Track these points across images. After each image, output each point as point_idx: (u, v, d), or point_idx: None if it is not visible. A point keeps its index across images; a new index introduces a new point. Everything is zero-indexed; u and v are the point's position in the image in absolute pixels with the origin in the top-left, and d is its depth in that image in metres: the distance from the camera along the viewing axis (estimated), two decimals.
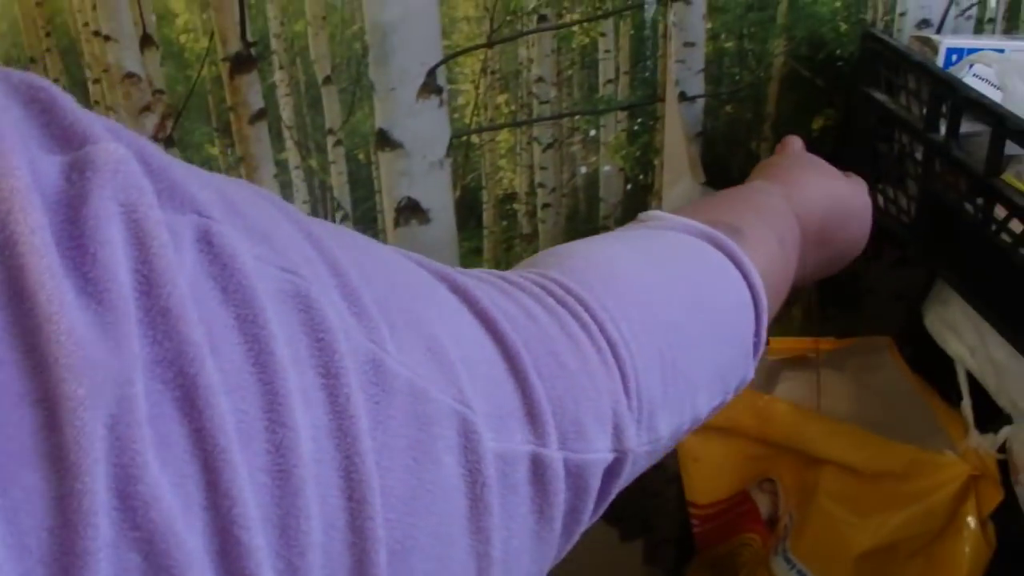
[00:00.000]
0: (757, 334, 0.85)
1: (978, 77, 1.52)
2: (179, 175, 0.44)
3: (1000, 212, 1.31)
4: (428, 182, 1.72)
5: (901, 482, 1.62)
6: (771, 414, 1.76)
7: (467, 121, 1.71)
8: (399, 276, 0.56)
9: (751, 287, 0.83)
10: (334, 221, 1.73)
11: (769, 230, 0.94)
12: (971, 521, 1.58)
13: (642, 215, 0.93)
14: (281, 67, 1.65)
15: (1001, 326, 1.36)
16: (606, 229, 1.85)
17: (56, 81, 1.67)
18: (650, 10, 1.72)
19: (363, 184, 1.72)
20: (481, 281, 0.64)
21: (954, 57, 1.60)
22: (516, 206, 1.79)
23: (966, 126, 1.41)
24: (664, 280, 0.78)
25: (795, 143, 1.34)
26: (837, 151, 1.82)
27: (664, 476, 2.07)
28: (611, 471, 0.66)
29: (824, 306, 1.99)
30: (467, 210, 1.76)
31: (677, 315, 0.75)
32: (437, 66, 1.66)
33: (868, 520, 1.64)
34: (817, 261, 1.12)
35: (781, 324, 1.98)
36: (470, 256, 1.78)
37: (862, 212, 1.21)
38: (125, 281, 0.38)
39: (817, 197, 1.10)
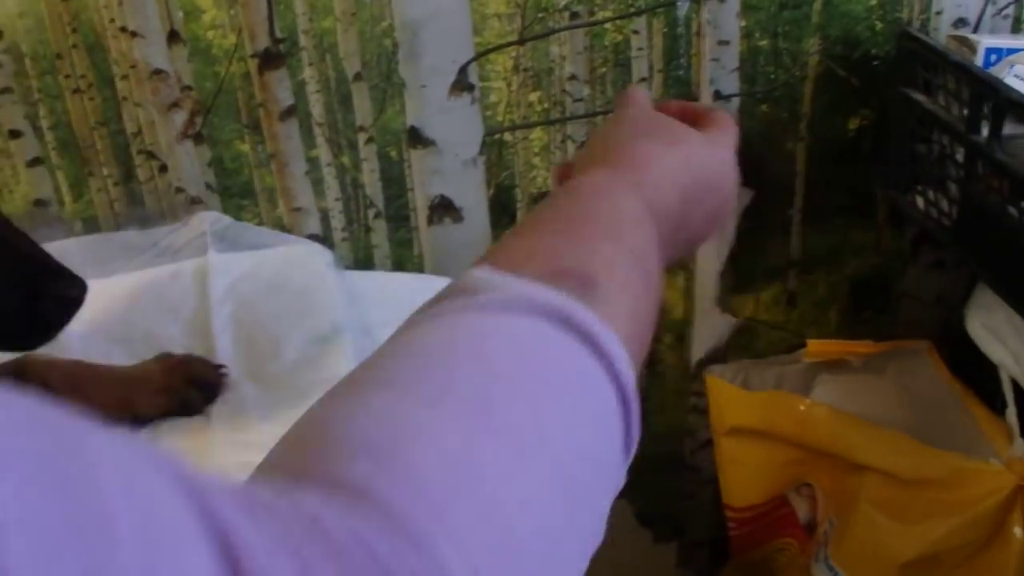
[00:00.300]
0: (628, 434, 0.64)
1: (1019, 78, 1.47)
2: None
3: None
4: (461, 180, 1.66)
5: (945, 490, 1.56)
6: (811, 418, 1.71)
7: (500, 119, 1.66)
8: (107, 540, 0.33)
9: (617, 377, 0.61)
10: (367, 219, 1.71)
11: (628, 258, 0.72)
12: (1018, 532, 1.53)
13: (463, 282, 0.66)
14: (311, 63, 1.60)
15: None
16: None
17: (82, 77, 1.63)
18: (683, 8, 1.67)
19: (395, 182, 1.67)
20: (273, 543, 0.41)
21: (993, 57, 1.55)
22: None
23: (1009, 128, 1.36)
24: (525, 460, 0.54)
25: (637, 95, 0.98)
26: (875, 151, 1.77)
27: (699, 479, 2.03)
28: None
29: (860, 309, 1.94)
30: (501, 208, 1.71)
31: (544, 511, 0.53)
32: (468, 63, 1.61)
33: (911, 529, 1.59)
34: (675, 250, 0.88)
35: (818, 326, 1.93)
36: None
37: (723, 176, 0.94)
38: None
39: (673, 176, 0.85)
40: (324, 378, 1.33)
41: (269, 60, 1.58)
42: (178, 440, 1.29)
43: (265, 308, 1.49)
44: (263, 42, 1.58)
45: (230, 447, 1.26)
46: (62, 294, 1.06)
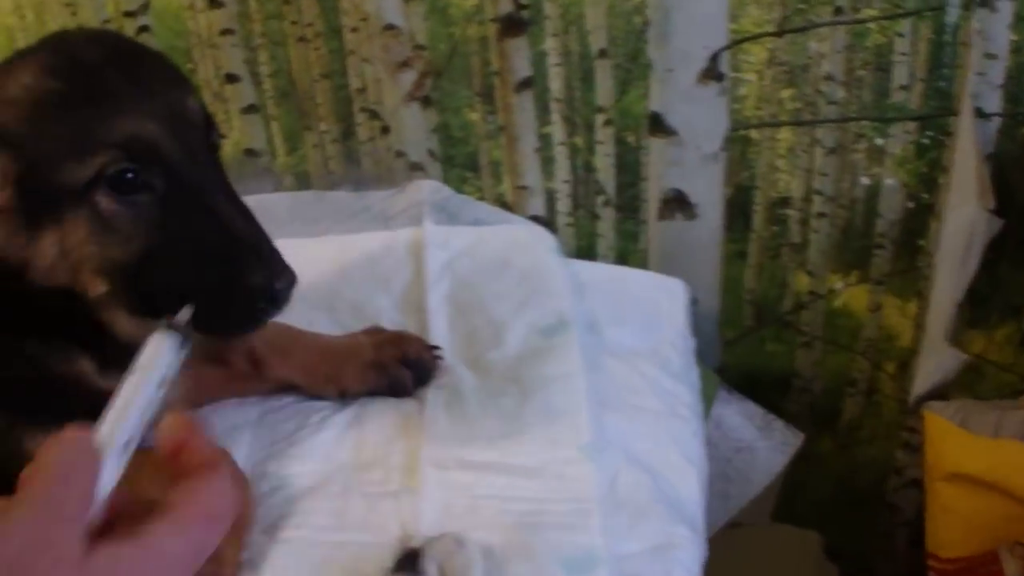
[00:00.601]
0: None
1: None
2: None
3: None
4: (699, 175, 1.52)
5: None
6: None
7: (747, 114, 1.50)
8: None
9: None
10: (594, 205, 1.58)
11: None
12: None
13: None
14: (554, 34, 1.47)
15: None
16: (881, 249, 1.62)
17: (309, 26, 1.51)
18: (952, 14, 1.49)
19: (629, 169, 1.53)
20: None
21: None
22: (789, 211, 1.58)
23: None
24: None
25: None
26: None
27: (898, 519, 1.86)
28: None
29: None
30: (736, 210, 1.55)
31: None
32: (721, 51, 1.45)
33: None
34: None
35: None
36: (734, 260, 1.58)
37: None
38: None
39: None
40: (551, 375, 1.20)
41: (510, 26, 1.47)
42: (387, 421, 1.16)
43: (485, 290, 1.36)
44: (506, 6, 1.46)
45: (447, 441, 1.12)
46: (267, 285, 0.91)
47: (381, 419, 1.16)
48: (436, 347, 1.23)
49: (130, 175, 0.88)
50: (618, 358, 1.28)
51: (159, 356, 0.75)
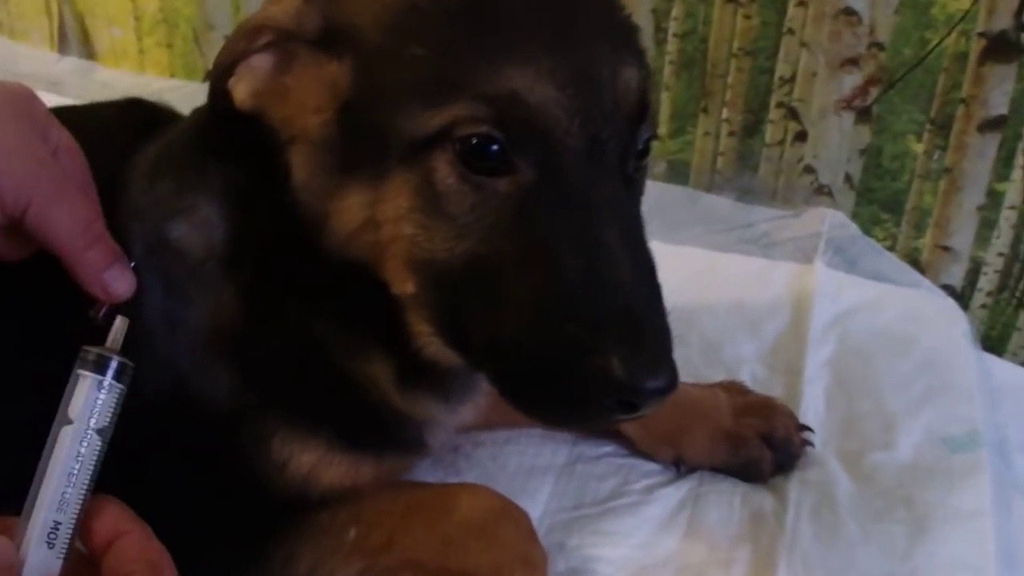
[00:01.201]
0: None
1: None
2: None
3: None
4: None
5: None
6: None
7: None
8: None
9: None
10: (1016, 294, 1.28)
11: None
12: None
13: None
14: None
15: None
16: None
17: None
18: None
19: None
20: None
21: None
22: None
23: None
24: None
25: None
26: None
27: None
28: None
29: None
30: None
31: None
32: None
33: None
34: None
35: None
36: None
37: None
38: None
39: None
40: (957, 508, 0.89)
41: (999, 47, 1.17)
42: (733, 514, 0.89)
43: (879, 367, 1.08)
44: (1004, 21, 1.16)
45: (813, 568, 0.83)
46: (631, 380, 0.58)
47: (725, 508, 0.90)
48: (807, 428, 0.95)
49: (494, 147, 0.60)
50: None
51: (80, 405, 0.59)
